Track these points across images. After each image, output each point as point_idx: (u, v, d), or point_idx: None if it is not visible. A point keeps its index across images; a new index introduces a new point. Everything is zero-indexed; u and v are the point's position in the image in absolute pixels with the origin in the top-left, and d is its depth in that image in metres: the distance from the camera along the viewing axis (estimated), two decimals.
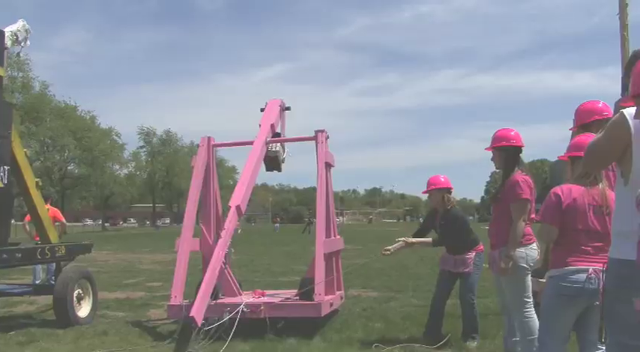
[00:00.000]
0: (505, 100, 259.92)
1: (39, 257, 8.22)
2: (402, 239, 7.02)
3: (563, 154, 4.39)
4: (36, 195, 8.71)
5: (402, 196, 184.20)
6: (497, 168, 5.42)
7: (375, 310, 9.23)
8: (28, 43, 8.83)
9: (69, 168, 68.44)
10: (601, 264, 3.45)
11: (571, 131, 4.75)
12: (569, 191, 4.00)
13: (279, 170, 8.83)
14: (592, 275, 3.73)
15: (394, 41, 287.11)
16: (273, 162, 8.62)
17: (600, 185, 4.02)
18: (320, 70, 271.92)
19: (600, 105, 4.43)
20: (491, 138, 5.32)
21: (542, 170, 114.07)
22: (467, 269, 6.79)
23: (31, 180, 8.57)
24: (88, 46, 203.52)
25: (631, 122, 2.91)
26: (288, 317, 7.42)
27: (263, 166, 8.54)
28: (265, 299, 7.90)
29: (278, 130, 8.85)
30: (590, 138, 4.40)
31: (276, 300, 7.58)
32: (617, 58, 8.45)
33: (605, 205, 3.93)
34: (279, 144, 8.67)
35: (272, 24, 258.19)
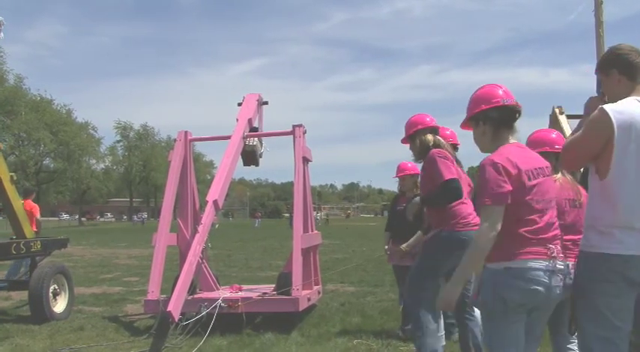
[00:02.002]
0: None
1: (14, 252, 8.13)
2: (403, 247, 6.86)
3: None
4: (10, 190, 8.61)
5: (380, 191, 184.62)
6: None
7: (352, 305, 9.26)
8: (2, 34, 8.71)
9: (44, 162, 67.85)
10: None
11: None
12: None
13: (257, 164, 8.82)
14: (571, 269, 3.77)
15: (372, 36, 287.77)
16: (250, 156, 8.60)
17: (568, 177, 4.05)
18: (297, 64, 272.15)
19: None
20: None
21: None
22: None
23: (5, 174, 8.47)
24: (64, 39, 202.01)
25: (614, 118, 2.97)
26: (266, 312, 7.43)
27: (240, 161, 8.52)
28: (243, 294, 7.90)
29: (255, 125, 8.83)
30: (549, 133, 4.47)
31: (253, 295, 7.58)
32: (593, 54, 8.55)
33: (578, 199, 3.98)
34: (256, 138, 8.65)
35: (250, 18, 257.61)
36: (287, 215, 55.51)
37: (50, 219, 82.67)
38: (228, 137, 8.28)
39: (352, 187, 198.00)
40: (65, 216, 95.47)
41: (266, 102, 9.28)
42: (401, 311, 7.17)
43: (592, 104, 3.29)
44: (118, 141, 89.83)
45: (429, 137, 5.12)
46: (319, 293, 8.76)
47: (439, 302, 3.37)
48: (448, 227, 4.84)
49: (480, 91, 3.57)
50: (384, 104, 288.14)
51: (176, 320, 6.26)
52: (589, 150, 3.06)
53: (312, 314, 8.19)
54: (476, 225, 4.13)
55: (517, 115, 3.49)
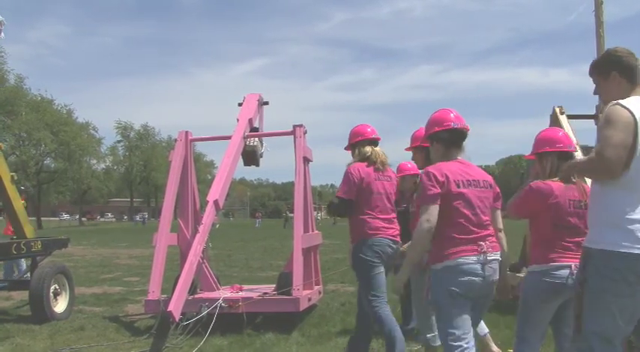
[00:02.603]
0: (481, 96, 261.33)
1: (14, 252, 8.14)
2: (404, 248, 6.88)
3: (529, 153, 4.39)
4: (11, 190, 8.62)
5: None
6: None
7: (353, 305, 9.21)
8: (3, 34, 8.72)
9: (45, 162, 67.76)
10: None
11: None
12: (550, 188, 4.02)
13: (257, 165, 8.81)
14: (574, 270, 3.79)
15: (372, 36, 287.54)
16: (251, 156, 8.60)
17: (574, 180, 4.06)
18: (298, 64, 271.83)
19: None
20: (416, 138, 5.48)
21: (519, 165, 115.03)
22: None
23: (5, 174, 8.48)
24: (65, 39, 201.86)
25: (635, 112, 3.03)
26: (267, 312, 7.43)
27: (241, 161, 8.52)
28: (243, 294, 7.90)
29: (256, 125, 8.83)
30: (555, 132, 4.45)
31: (254, 295, 7.58)
32: (593, 55, 8.54)
33: (584, 200, 3.96)
34: (257, 138, 8.65)
35: (250, 18, 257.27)
36: (287, 214, 55.32)
37: (51, 219, 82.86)
38: (229, 137, 8.28)
39: None
40: (66, 216, 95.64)
41: (266, 103, 9.28)
42: (400, 311, 7.17)
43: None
44: (119, 141, 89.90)
45: (367, 149, 5.67)
46: (320, 293, 8.76)
47: (394, 287, 4.07)
48: (355, 238, 5.49)
49: (434, 115, 4.19)
50: (384, 104, 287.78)
51: (177, 320, 6.26)
52: (625, 145, 3.01)
53: (312, 314, 8.20)
54: (389, 236, 5.44)
55: (465, 136, 4.11)
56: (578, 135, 7.86)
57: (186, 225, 8.32)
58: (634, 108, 3.05)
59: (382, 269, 5.37)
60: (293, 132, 8.26)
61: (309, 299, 7.77)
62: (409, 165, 7.09)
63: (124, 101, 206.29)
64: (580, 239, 3.69)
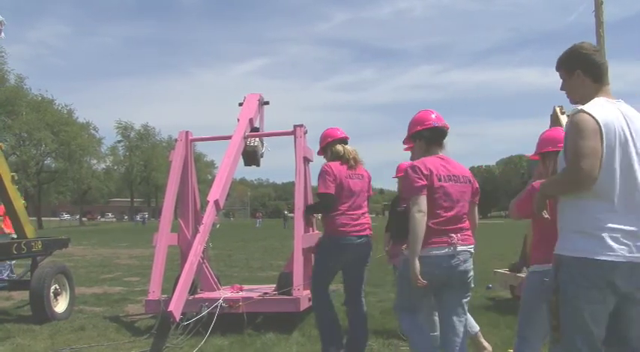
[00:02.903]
0: (481, 96, 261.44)
1: (15, 252, 8.13)
2: (404, 248, 6.90)
3: (533, 153, 4.39)
4: (12, 190, 8.62)
5: (381, 191, 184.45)
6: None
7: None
8: (3, 34, 8.72)
9: (45, 162, 67.83)
10: None
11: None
12: None
13: (258, 165, 8.81)
14: None
15: (372, 37, 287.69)
16: (251, 156, 8.60)
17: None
18: (298, 64, 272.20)
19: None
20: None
21: (519, 165, 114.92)
22: None
23: (6, 174, 8.48)
24: (66, 39, 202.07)
25: (599, 118, 2.99)
26: (267, 312, 7.43)
27: (241, 161, 8.52)
28: (244, 293, 7.90)
29: (256, 125, 8.82)
30: (557, 132, 4.41)
31: (254, 295, 7.58)
32: None
33: None
34: (257, 138, 8.64)
35: (251, 18, 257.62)
36: (286, 214, 55.28)
37: (51, 219, 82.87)
38: (229, 137, 8.27)
39: None
40: (66, 216, 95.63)
41: (267, 103, 9.27)
42: None
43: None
44: (119, 141, 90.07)
45: (339, 148, 5.90)
46: None
47: (411, 279, 4.14)
48: (328, 233, 5.75)
49: (417, 115, 4.58)
50: (384, 104, 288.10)
51: (177, 320, 6.25)
52: (597, 154, 2.98)
53: (313, 314, 8.17)
54: (354, 232, 5.59)
55: (445, 135, 4.51)
56: None
57: (187, 225, 8.32)
58: (597, 114, 3.01)
59: (339, 266, 5.87)
60: (293, 132, 8.25)
61: (310, 299, 7.75)
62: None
63: (124, 101, 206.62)
64: None
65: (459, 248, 4.20)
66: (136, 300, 9.86)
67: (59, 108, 68.00)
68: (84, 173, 68.41)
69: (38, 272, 8.21)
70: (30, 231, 8.92)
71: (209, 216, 7.26)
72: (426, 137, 4.45)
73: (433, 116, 4.51)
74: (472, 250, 4.32)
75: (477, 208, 4.59)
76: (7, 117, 58.89)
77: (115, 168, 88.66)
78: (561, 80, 3.37)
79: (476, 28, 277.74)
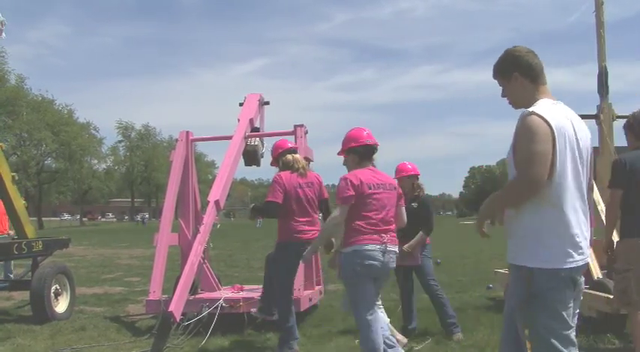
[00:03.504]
0: (482, 96, 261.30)
1: (15, 252, 8.14)
2: (405, 248, 6.91)
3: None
4: (12, 190, 8.63)
5: None
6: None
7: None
8: (4, 35, 8.73)
9: (46, 162, 67.83)
10: None
11: None
12: None
13: (258, 165, 8.80)
14: None
15: (373, 37, 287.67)
16: (252, 156, 8.59)
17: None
18: (299, 65, 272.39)
19: None
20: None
21: None
22: (415, 263, 6.88)
23: (7, 174, 8.48)
24: (66, 39, 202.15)
25: (551, 121, 3.02)
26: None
27: (242, 161, 8.51)
28: (244, 294, 7.90)
29: (257, 125, 8.82)
30: None
31: (255, 295, 7.57)
32: (594, 55, 8.51)
33: None
34: (258, 138, 8.64)
35: (251, 18, 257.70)
36: None
37: (52, 219, 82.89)
38: (230, 137, 8.27)
39: None
40: (66, 216, 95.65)
41: (267, 103, 9.26)
42: (401, 310, 7.17)
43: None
44: (120, 141, 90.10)
45: (289, 157, 6.43)
46: (321, 293, 8.75)
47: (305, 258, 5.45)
48: (282, 239, 6.34)
49: (350, 132, 5.24)
50: (385, 104, 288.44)
51: (177, 320, 6.26)
52: (548, 159, 3.00)
53: (313, 315, 8.19)
54: (305, 237, 6.10)
55: (375, 151, 5.17)
56: None
57: (187, 225, 8.32)
58: (548, 116, 3.03)
59: (295, 268, 6.38)
60: (294, 132, 8.26)
61: (310, 300, 7.77)
62: (409, 166, 7.11)
63: (124, 101, 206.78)
64: None
65: (389, 247, 4.87)
66: (137, 300, 9.86)
67: (59, 108, 68.07)
68: (84, 173, 68.42)
69: (39, 272, 8.21)
70: (30, 231, 8.93)
71: (209, 216, 7.26)
72: (359, 153, 5.11)
73: (365, 134, 5.19)
74: (397, 250, 5.03)
75: (403, 210, 5.35)
76: (7, 118, 58.87)
77: (116, 168, 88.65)
78: (500, 87, 3.38)
79: (476, 28, 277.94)
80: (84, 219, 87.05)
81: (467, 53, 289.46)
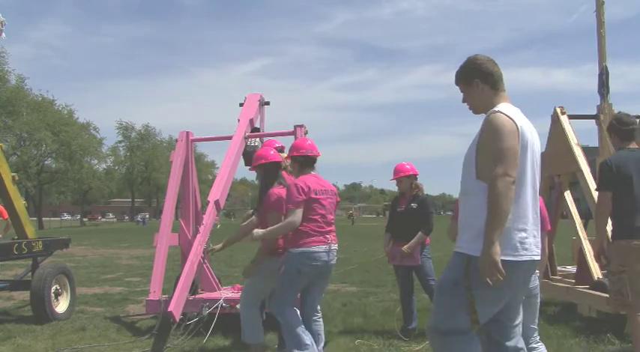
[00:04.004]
0: None
1: (16, 252, 8.14)
2: (405, 248, 6.91)
3: None
4: (12, 190, 8.62)
5: (382, 191, 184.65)
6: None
7: (354, 305, 9.26)
8: (4, 35, 8.72)
9: (46, 162, 67.76)
10: None
11: None
12: None
13: None
14: None
15: (374, 37, 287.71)
16: (252, 157, 8.57)
17: None
18: (300, 65, 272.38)
19: None
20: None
21: None
22: (415, 263, 6.88)
23: (7, 174, 8.48)
24: (67, 39, 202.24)
25: (516, 121, 3.19)
26: (267, 312, 7.42)
27: (242, 161, 8.51)
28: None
29: (257, 125, 8.82)
30: None
31: None
32: (594, 55, 8.52)
33: None
34: (258, 138, 8.63)
35: (253, 19, 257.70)
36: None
37: (52, 219, 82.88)
38: (230, 137, 8.27)
39: (354, 187, 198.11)
40: (67, 217, 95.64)
41: (267, 103, 9.26)
42: (401, 310, 7.17)
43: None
44: (120, 142, 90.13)
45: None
46: None
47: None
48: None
49: (295, 142, 5.81)
50: (386, 104, 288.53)
51: (177, 320, 6.26)
52: (517, 154, 3.14)
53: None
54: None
55: (315, 161, 5.60)
56: (578, 135, 7.86)
57: (188, 225, 8.31)
58: (512, 114, 3.19)
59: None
60: (294, 133, 8.25)
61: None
62: (407, 166, 7.12)
63: (125, 101, 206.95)
64: None
65: (332, 246, 5.38)
66: (137, 300, 9.86)
67: (60, 108, 68.01)
68: (85, 173, 68.34)
69: (39, 272, 8.21)
70: (30, 231, 8.93)
71: (209, 216, 7.26)
72: (300, 161, 5.57)
73: (308, 143, 5.69)
74: (337, 248, 5.51)
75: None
76: (7, 118, 58.79)
77: (116, 168, 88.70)
78: (462, 93, 3.53)
79: (477, 28, 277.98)
80: (84, 219, 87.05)
81: (468, 53, 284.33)
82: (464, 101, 3.54)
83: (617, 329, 6.36)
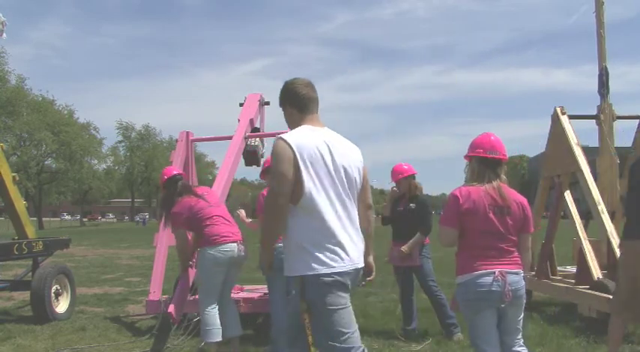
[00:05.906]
0: (484, 96, 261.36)
1: (16, 252, 8.14)
2: (404, 249, 6.91)
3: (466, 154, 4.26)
4: (12, 190, 8.62)
5: (382, 192, 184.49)
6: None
7: (354, 305, 9.17)
8: (4, 35, 8.72)
9: (46, 162, 67.78)
10: (505, 266, 3.82)
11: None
12: (467, 193, 3.92)
13: (259, 165, 8.80)
14: (498, 277, 3.77)
15: (375, 37, 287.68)
16: (252, 156, 8.60)
17: (495, 183, 3.97)
18: (301, 65, 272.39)
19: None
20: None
21: (520, 166, 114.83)
22: (414, 263, 6.88)
23: (7, 174, 8.48)
24: (67, 39, 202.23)
25: (293, 145, 3.41)
26: (268, 312, 7.42)
27: (242, 161, 8.52)
28: (244, 294, 7.89)
29: (257, 125, 8.83)
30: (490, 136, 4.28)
31: (255, 295, 7.58)
32: (594, 55, 8.52)
33: (505, 205, 3.90)
34: (258, 138, 8.64)
35: (254, 19, 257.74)
36: None
37: (52, 219, 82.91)
38: (230, 137, 8.28)
39: None
40: (67, 217, 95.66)
41: (267, 103, 9.27)
42: (400, 311, 7.17)
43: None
44: (120, 142, 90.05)
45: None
46: None
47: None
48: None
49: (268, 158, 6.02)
50: (387, 104, 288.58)
51: (177, 320, 6.26)
52: (289, 175, 3.37)
53: None
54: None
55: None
56: (579, 135, 7.86)
57: None
58: (292, 140, 3.43)
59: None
60: None
61: None
62: (405, 167, 7.13)
63: (125, 101, 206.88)
64: (503, 245, 3.87)
65: (239, 244, 5.99)
66: (137, 301, 9.86)
67: (60, 108, 68.05)
68: (85, 173, 68.33)
69: (39, 272, 8.21)
70: (31, 231, 8.93)
71: None
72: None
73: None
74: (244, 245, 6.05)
75: None
76: (7, 118, 58.81)
77: (116, 168, 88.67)
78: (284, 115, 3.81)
79: (479, 28, 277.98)
80: (84, 219, 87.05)
81: (469, 53, 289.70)
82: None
83: None
